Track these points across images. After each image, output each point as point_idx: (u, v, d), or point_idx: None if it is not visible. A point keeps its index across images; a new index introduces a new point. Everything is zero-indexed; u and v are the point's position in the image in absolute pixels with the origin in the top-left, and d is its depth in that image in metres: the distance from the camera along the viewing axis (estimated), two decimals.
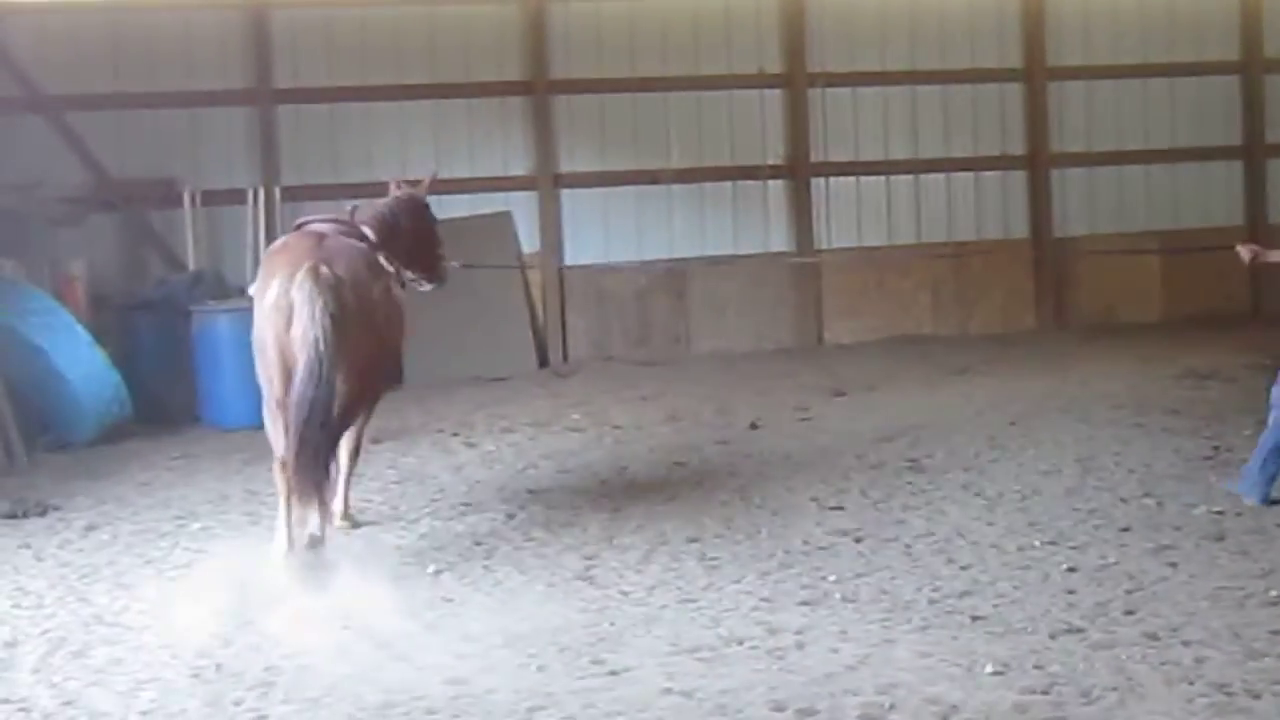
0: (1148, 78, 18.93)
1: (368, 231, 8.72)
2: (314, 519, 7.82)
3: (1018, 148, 18.67)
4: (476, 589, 7.58)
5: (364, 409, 8.63)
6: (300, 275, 7.77)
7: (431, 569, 7.97)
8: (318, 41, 16.13)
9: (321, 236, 8.36)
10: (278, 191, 15.46)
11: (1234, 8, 19.22)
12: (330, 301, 7.71)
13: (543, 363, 16.20)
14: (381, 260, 8.62)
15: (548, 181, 16.64)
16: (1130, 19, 18.89)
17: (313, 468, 7.59)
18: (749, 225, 17.46)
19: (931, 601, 6.97)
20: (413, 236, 9.24)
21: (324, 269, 7.84)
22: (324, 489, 7.75)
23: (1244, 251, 9.40)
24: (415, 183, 9.70)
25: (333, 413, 7.74)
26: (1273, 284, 18.78)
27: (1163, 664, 5.92)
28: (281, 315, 7.81)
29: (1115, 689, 5.66)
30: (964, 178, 18.60)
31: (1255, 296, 18.91)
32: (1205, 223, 19.13)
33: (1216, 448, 10.37)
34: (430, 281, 9.54)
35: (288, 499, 7.81)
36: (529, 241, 16.61)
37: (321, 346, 7.58)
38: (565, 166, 16.80)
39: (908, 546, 8.08)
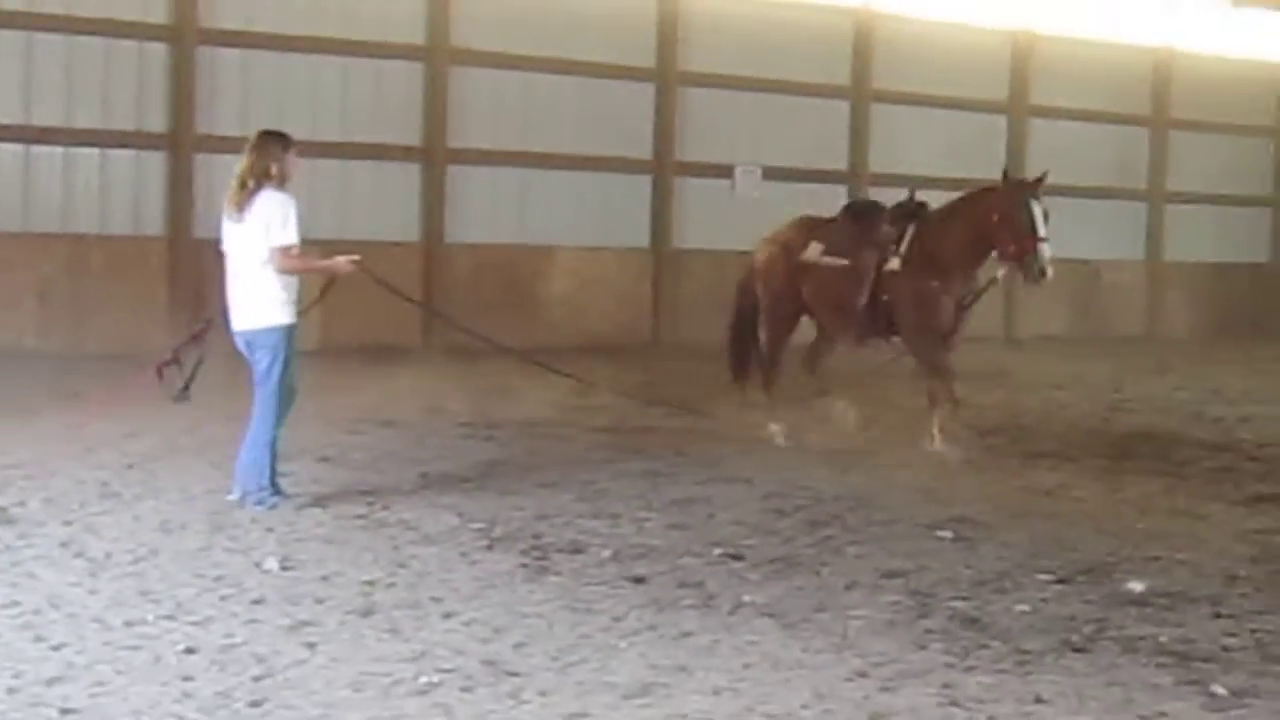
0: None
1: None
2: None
3: (160, 125, 18.78)
4: None
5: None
6: None
7: None
8: None
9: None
10: None
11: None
12: None
13: None
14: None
15: None
16: None
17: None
18: None
19: (11, 690, 6.76)
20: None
21: None
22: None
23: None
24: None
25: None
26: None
27: None
28: None
29: None
30: (88, 154, 18.45)
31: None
32: (379, 236, 20.17)
33: (371, 504, 10.85)
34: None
35: None
36: None
37: None
38: None
39: None
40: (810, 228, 14.70)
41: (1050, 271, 12.94)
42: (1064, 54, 27.96)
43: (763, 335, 14.89)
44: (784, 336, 14.87)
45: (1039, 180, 13.32)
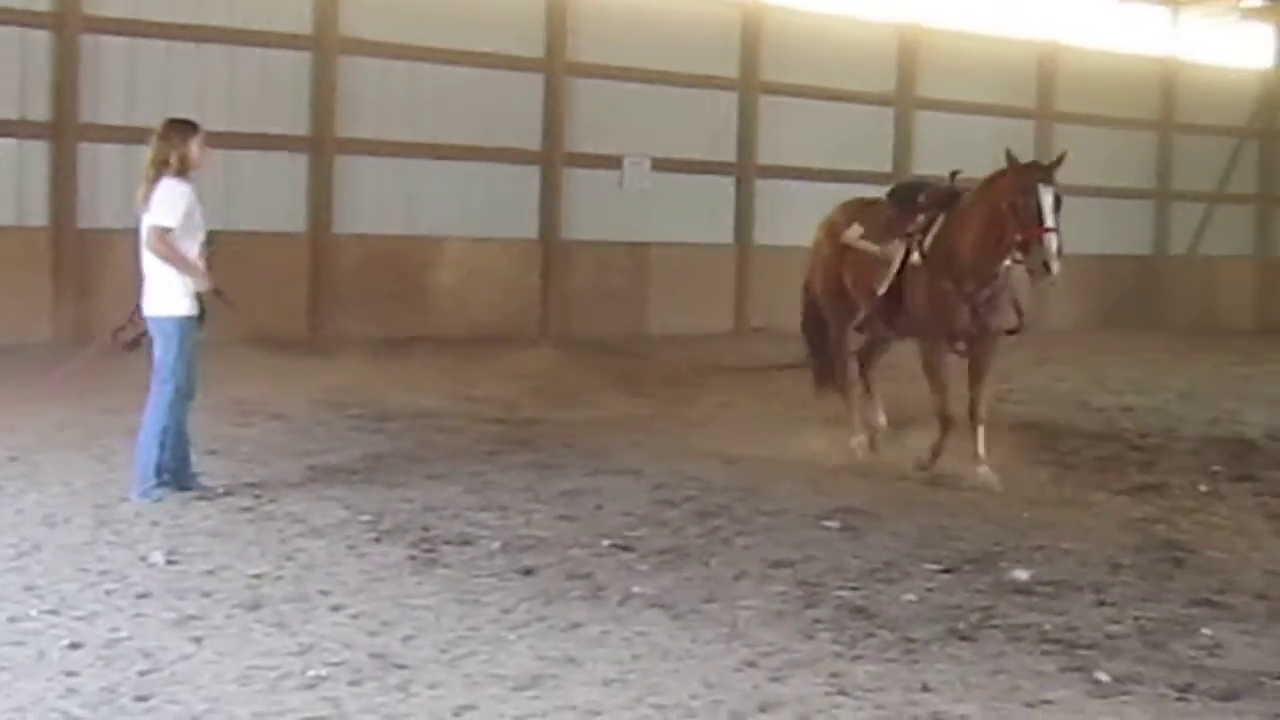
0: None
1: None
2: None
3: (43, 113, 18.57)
4: None
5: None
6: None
7: None
8: None
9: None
10: None
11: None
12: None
13: None
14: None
15: None
16: None
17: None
18: None
19: None
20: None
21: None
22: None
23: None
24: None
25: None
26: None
27: None
28: None
29: None
30: None
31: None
32: (267, 227, 20.01)
33: (259, 497, 10.78)
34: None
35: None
36: None
37: None
38: None
39: None
40: (856, 209, 13.85)
41: (1056, 266, 11.83)
42: (950, 47, 28.22)
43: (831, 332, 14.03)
44: (844, 328, 13.74)
45: (1054, 163, 12.47)
